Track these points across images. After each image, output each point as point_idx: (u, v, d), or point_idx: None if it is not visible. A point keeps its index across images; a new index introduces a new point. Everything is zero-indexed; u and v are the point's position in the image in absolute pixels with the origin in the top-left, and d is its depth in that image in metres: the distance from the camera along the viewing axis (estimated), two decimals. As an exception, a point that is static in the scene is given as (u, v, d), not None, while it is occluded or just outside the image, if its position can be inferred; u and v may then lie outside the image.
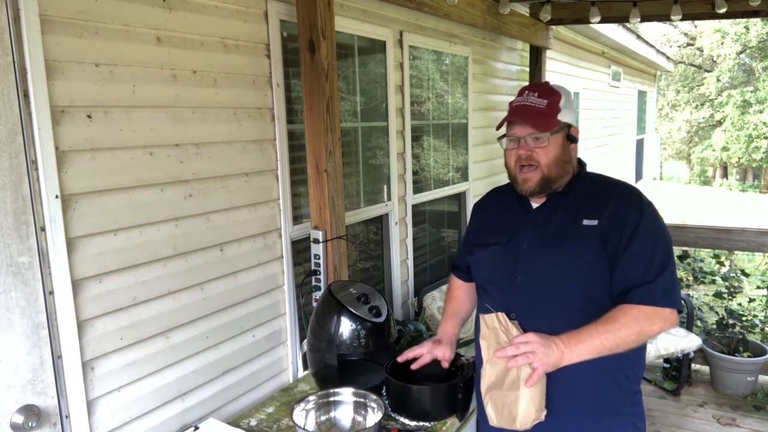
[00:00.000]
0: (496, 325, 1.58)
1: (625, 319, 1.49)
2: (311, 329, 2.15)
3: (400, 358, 1.91)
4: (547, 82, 1.72)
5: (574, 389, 1.60)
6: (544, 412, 1.54)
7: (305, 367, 2.51)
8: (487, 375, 1.58)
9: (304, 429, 1.77)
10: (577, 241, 1.58)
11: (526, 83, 5.05)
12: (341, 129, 2.48)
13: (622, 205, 1.58)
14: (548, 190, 1.64)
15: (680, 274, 4.53)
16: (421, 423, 1.93)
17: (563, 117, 1.62)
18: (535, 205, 1.71)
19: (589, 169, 1.77)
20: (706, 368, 4.16)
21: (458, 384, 1.89)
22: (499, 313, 1.60)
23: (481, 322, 1.64)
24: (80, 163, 1.68)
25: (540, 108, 1.61)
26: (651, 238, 1.54)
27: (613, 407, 1.63)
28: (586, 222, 1.59)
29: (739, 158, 19.53)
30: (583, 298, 1.57)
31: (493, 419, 1.59)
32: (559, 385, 1.57)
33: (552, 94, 1.64)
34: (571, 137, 1.64)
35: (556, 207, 1.66)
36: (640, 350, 1.64)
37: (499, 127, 1.70)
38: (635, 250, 1.53)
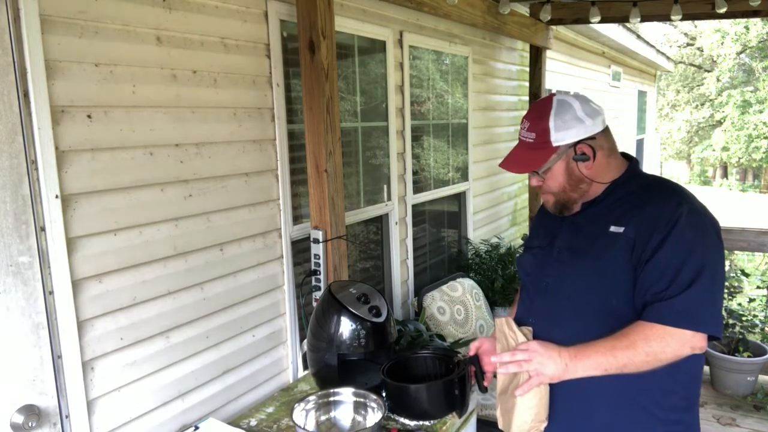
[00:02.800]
0: (505, 330, 1.56)
1: (636, 337, 1.37)
2: (311, 329, 2.15)
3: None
4: (543, 102, 1.55)
5: (588, 411, 1.53)
6: (544, 424, 1.51)
7: (305, 367, 2.51)
8: (500, 378, 1.57)
9: (304, 429, 1.77)
10: (601, 248, 1.48)
11: (526, 83, 5.05)
12: (341, 129, 2.48)
13: (655, 210, 1.43)
14: (569, 210, 1.58)
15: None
16: (421, 422, 1.93)
17: (562, 139, 1.48)
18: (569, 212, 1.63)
19: None
20: (706, 368, 4.15)
21: (454, 380, 1.88)
22: (508, 318, 1.58)
23: (496, 326, 1.63)
24: (80, 163, 1.68)
25: (529, 143, 1.52)
26: (683, 247, 1.38)
27: None
28: (612, 229, 1.47)
29: (739, 158, 19.51)
30: (602, 309, 1.47)
31: (500, 423, 1.58)
32: (574, 405, 1.52)
33: (541, 121, 1.50)
34: (579, 157, 1.49)
35: (590, 214, 1.56)
36: (677, 375, 1.46)
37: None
38: (661, 260, 1.38)
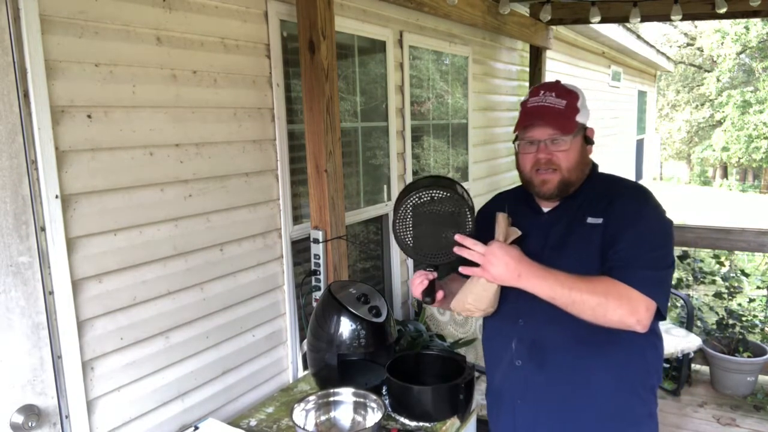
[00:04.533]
0: (500, 222, 1.54)
1: (598, 285, 1.40)
2: (311, 329, 2.15)
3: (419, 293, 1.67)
4: (559, 81, 1.63)
5: (596, 398, 1.56)
6: (482, 312, 1.56)
7: (305, 367, 2.51)
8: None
9: (304, 429, 1.77)
10: (580, 239, 1.53)
11: (526, 83, 5.05)
12: (341, 129, 2.48)
13: (624, 203, 1.52)
14: (566, 193, 1.58)
15: (680, 274, 4.52)
16: (421, 423, 1.94)
17: (580, 118, 1.56)
18: (546, 209, 1.65)
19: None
20: (706, 368, 4.16)
21: (460, 385, 1.89)
22: (506, 216, 1.55)
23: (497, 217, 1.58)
24: (80, 163, 1.68)
25: (559, 109, 1.53)
26: (645, 240, 1.46)
27: (631, 418, 1.59)
28: (590, 220, 1.53)
29: (739, 158, 19.50)
30: None
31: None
32: (579, 393, 1.56)
33: (570, 94, 1.56)
34: (588, 139, 1.60)
35: (566, 210, 1.60)
36: (657, 357, 1.61)
37: (516, 129, 1.61)
38: (622, 245, 1.45)
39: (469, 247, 1.45)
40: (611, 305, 1.38)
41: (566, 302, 1.41)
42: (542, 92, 1.57)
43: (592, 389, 1.56)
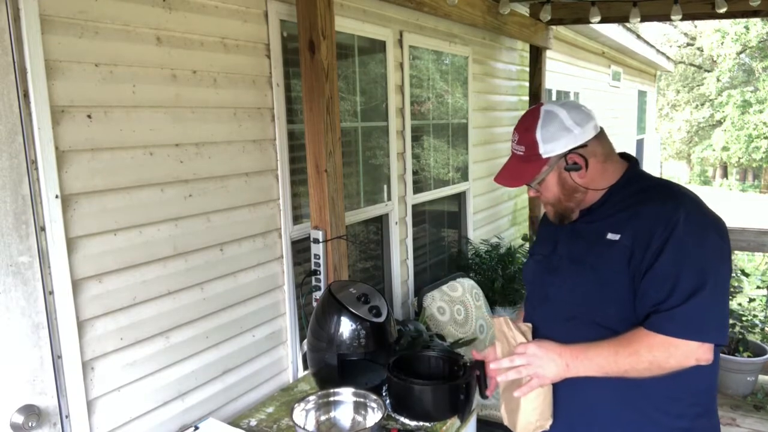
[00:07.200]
0: (504, 330, 1.54)
1: (639, 345, 1.34)
2: (311, 329, 2.15)
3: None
4: (530, 113, 1.52)
5: (589, 418, 1.50)
6: (549, 421, 1.50)
7: (305, 367, 2.51)
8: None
9: (304, 429, 1.77)
10: (598, 256, 1.45)
11: (526, 83, 5.04)
12: (341, 129, 2.48)
13: (650, 216, 1.39)
14: (568, 218, 1.56)
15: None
16: (421, 423, 1.93)
17: (551, 150, 1.45)
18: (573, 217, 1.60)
19: None
20: (706, 368, 4.15)
21: (460, 384, 1.89)
22: (506, 317, 1.56)
23: (494, 325, 1.61)
24: (80, 163, 1.68)
25: (520, 155, 1.51)
26: (682, 256, 1.34)
27: None
28: (609, 236, 1.44)
29: (739, 158, 19.51)
30: (600, 318, 1.44)
31: (505, 420, 1.59)
32: (574, 412, 1.51)
33: (528, 133, 1.47)
34: (570, 167, 1.46)
35: (589, 221, 1.53)
36: (683, 382, 1.40)
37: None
38: (660, 270, 1.34)
39: (509, 365, 1.43)
40: (660, 359, 1.33)
41: (620, 372, 1.38)
42: (513, 134, 1.54)
43: (594, 412, 1.50)
